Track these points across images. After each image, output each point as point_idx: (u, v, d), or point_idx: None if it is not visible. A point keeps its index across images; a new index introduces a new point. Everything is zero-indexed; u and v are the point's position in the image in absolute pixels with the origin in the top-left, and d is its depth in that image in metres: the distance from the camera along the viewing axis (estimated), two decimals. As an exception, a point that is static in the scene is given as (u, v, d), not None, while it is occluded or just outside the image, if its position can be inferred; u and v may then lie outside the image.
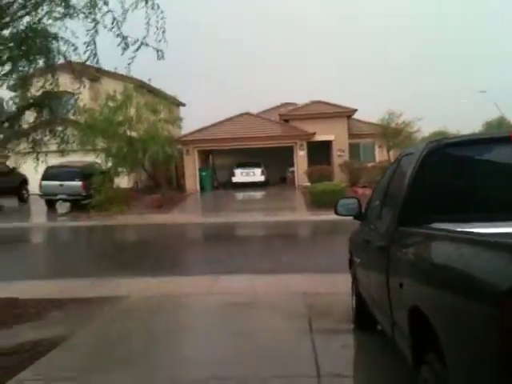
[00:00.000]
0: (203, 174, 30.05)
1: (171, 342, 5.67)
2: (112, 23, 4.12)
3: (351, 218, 5.51)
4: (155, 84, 24.01)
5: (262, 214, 20.82)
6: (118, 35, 4.15)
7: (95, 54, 4.42)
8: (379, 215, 4.40)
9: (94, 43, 4.32)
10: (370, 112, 31.20)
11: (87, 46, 4.54)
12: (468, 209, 3.29)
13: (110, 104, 22.93)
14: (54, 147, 6.24)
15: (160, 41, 4.40)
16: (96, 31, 4.21)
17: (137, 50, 4.34)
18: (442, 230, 2.87)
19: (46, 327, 6.21)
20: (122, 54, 4.22)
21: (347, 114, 30.59)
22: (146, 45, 4.30)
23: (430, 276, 2.57)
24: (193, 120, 30.56)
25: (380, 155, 30.00)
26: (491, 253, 2.08)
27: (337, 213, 5.34)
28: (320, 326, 5.92)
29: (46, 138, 5.20)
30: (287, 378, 4.46)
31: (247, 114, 31.86)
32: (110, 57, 4.80)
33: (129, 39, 4.20)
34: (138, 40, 4.23)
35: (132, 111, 23.66)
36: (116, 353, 5.22)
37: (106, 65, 5.06)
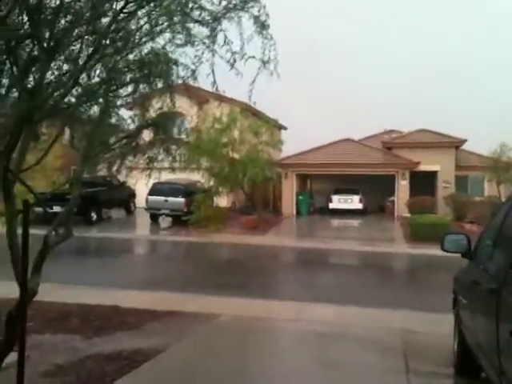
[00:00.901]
0: (300, 198, 30.08)
1: (260, 365, 5.66)
2: (224, 41, 4.28)
3: (454, 254, 5.19)
4: (259, 107, 24.63)
5: (357, 243, 20.35)
6: (227, 51, 4.29)
7: (214, 81, 4.61)
8: (491, 255, 4.11)
9: (213, 70, 4.49)
10: (480, 143, 29.51)
11: (193, 70, 4.73)
12: None
13: (217, 126, 23.84)
14: (161, 165, 6.56)
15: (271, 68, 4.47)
16: (213, 57, 4.38)
17: (257, 75, 4.42)
18: None
19: (144, 337, 6.46)
20: (231, 70, 4.36)
21: (455, 144, 29.24)
22: (264, 63, 4.38)
23: None
24: (293, 144, 30.82)
25: (489, 190, 28.24)
26: None
27: (443, 248, 5.06)
28: (417, 366, 5.61)
29: (160, 156, 5.51)
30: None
31: (348, 139, 31.57)
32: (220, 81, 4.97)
33: (236, 55, 4.33)
34: (245, 54, 4.34)
35: (236, 133, 24.42)
36: (208, 369, 5.30)
37: (213, 88, 5.25)
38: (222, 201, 25.72)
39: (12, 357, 4.44)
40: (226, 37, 4.44)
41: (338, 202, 29.57)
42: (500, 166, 26.28)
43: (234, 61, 4.49)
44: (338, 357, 5.98)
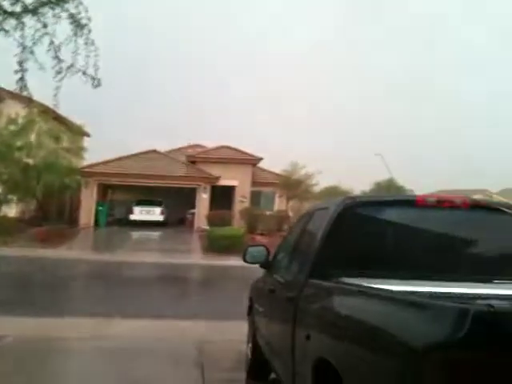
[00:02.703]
0: (100, 208, 28.94)
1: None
2: (49, 45, 3.92)
3: (248, 264, 5.44)
4: (62, 111, 23.16)
5: (156, 255, 20.32)
6: (54, 57, 3.94)
7: (22, 79, 4.16)
8: (288, 266, 4.43)
9: (22, 67, 4.07)
10: (272, 162, 32.18)
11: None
12: (377, 266, 3.41)
13: (11, 127, 21.65)
14: None
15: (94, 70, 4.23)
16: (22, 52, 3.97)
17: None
18: (357, 286, 2.93)
19: None
20: (55, 77, 4.01)
21: (253, 161, 31.29)
22: (84, 73, 4.12)
23: (342, 330, 2.60)
24: (97, 152, 29.51)
25: (279, 205, 30.79)
26: (406, 310, 2.16)
27: (245, 260, 5.28)
28: (213, 375, 5.74)
29: None
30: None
31: (154, 151, 31.48)
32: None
33: (63, 64, 3.99)
34: (72, 65, 4.04)
35: (32, 137, 22.50)
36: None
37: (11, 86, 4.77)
38: (11, 210, 23.34)
39: None
40: (35, 34, 4.08)
41: (139, 213, 29.22)
42: (290, 183, 28.83)
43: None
44: (136, 373, 5.80)
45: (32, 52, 4.06)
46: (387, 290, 2.61)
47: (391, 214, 3.72)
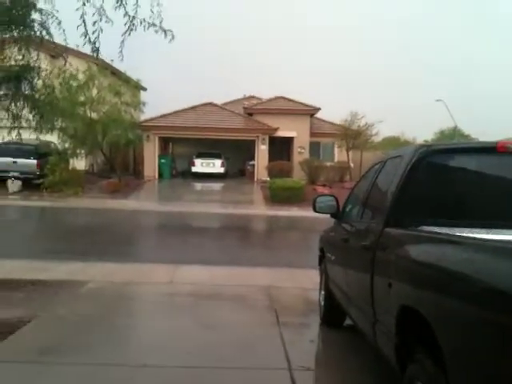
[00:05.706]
0: (162, 161, 29.68)
1: (137, 330, 5.57)
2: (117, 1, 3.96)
3: (307, 215, 5.48)
4: (119, 66, 23.53)
5: (219, 206, 20.77)
6: (125, 14, 3.97)
7: (86, 34, 4.24)
8: (361, 215, 4.44)
9: (84, 22, 4.14)
10: (331, 112, 31.63)
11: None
12: (454, 215, 3.37)
13: (72, 83, 22.27)
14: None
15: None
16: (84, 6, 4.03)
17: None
18: (440, 234, 2.90)
19: (7, 308, 5.98)
20: (129, 34, 4.07)
21: (310, 112, 30.85)
22: (154, 25, 4.15)
23: (431, 279, 2.57)
24: (155, 106, 29.98)
25: (339, 155, 30.38)
26: (499, 258, 2.13)
27: (315, 210, 5.34)
28: (287, 319, 5.96)
29: (23, 112, 4.99)
30: (259, 369, 4.47)
31: (211, 103, 31.63)
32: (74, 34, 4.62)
33: (137, 20, 4.04)
34: (144, 20, 4.08)
35: (94, 92, 23.09)
36: (77, 339, 5.08)
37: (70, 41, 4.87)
38: (80, 163, 24.37)
39: None
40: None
41: (200, 165, 29.74)
42: (349, 134, 28.27)
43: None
44: (213, 317, 6.09)
45: (103, 10, 4.11)
46: (475, 238, 2.57)
47: (468, 162, 3.61)
